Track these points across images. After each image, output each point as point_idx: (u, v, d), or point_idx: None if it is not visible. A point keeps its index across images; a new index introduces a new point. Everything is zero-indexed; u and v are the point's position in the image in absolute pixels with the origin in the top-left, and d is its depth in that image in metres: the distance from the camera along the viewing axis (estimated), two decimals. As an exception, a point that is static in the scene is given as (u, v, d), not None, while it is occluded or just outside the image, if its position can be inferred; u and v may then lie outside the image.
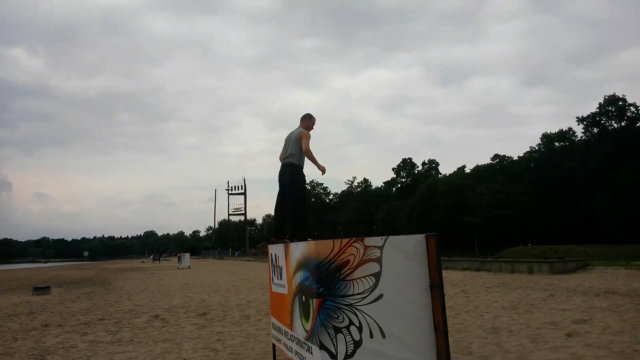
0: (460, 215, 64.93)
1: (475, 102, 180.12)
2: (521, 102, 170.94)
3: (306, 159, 6.98)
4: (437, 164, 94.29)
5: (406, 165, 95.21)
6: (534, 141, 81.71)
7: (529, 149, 70.67)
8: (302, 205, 7.01)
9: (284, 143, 7.15)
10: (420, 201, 72.17)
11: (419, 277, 5.26)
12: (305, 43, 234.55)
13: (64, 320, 12.66)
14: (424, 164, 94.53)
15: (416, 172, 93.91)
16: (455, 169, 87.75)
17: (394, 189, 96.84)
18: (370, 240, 5.15)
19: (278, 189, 7.18)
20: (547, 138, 65.69)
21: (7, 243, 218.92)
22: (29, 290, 22.64)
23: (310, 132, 7.04)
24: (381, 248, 5.14)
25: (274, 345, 7.38)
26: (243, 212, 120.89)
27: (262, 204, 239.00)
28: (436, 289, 5.20)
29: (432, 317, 5.25)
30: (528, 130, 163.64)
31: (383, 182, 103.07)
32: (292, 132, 7.02)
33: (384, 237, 5.19)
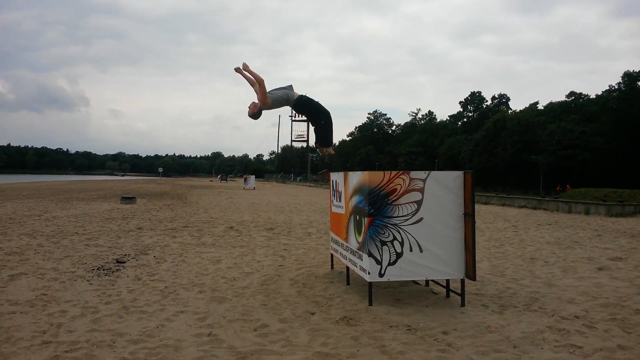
0: (528, 153, 63.32)
1: (556, 32, 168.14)
2: (607, 34, 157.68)
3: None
4: (508, 99, 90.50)
5: (474, 98, 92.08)
6: (615, 79, 75.76)
7: (607, 88, 66.35)
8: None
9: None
10: (486, 137, 70.60)
11: (455, 206, 6.35)
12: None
13: (154, 225, 14.79)
14: (493, 98, 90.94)
15: (484, 106, 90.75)
16: (527, 105, 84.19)
17: (460, 123, 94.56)
18: (415, 174, 6.24)
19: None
20: (628, 77, 61.21)
21: (87, 156, 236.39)
22: (117, 199, 25.57)
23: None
24: (424, 180, 6.23)
25: (332, 255, 8.83)
26: (305, 139, 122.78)
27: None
28: (469, 216, 6.28)
29: (463, 239, 6.37)
30: (610, 66, 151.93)
31: (448, 116, 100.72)
32: None
33: (427, 172, 6.26)
